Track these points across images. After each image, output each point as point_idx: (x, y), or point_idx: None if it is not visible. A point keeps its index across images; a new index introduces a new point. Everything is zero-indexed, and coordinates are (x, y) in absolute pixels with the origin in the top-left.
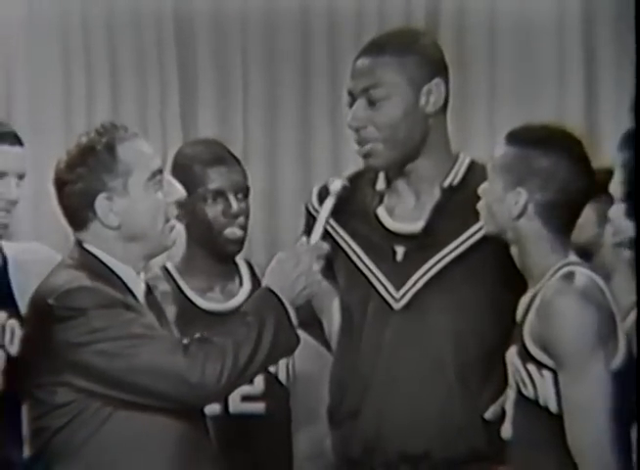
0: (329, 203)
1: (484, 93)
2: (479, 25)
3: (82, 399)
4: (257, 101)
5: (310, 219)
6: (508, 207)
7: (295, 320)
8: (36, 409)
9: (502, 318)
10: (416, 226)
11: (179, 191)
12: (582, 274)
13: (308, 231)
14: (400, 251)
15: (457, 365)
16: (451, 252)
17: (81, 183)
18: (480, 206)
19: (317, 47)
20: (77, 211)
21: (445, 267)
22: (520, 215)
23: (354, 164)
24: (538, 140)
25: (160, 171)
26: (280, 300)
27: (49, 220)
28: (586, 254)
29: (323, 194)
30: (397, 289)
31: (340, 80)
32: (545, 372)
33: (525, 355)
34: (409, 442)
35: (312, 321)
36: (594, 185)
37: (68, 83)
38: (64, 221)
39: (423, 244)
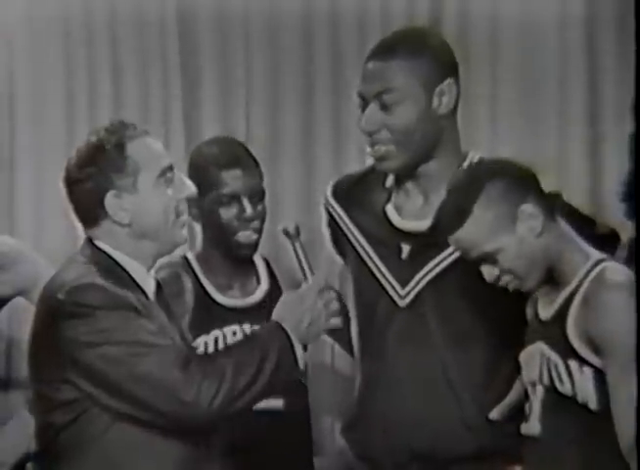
0: (297, 245)
1: (487, 94)
2: (481, 27)
3: (84, 400)
4: (260, 100)
5: (329, 217)
6: (528, 233)
7: (301, 358)
8: (42, 404)
9: (505, 318)
10: (422, 225)
11: (189, 187)
12: (621, 270)
13: (330, 229)
14: (406, 249)
15: (460, 363)
16: (455, 251)
17: (91, 182)
18: (508, 277)
19: (320, 47)
20: (88, 209)
21: (450, 266)
22: (543, 228)
23: (357, 163)
24: (497, 169)
25: (171, 168)
26: (288, 336)
27: (50, 220)
28: None
29: (338, 190)
30: (403, 286)
31: (342, 80)
32: (586, 369)
33: (566, 352)
34: (416, 440)
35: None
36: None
37: (71, 81)
38: (73, 218)
39: (428, 243)
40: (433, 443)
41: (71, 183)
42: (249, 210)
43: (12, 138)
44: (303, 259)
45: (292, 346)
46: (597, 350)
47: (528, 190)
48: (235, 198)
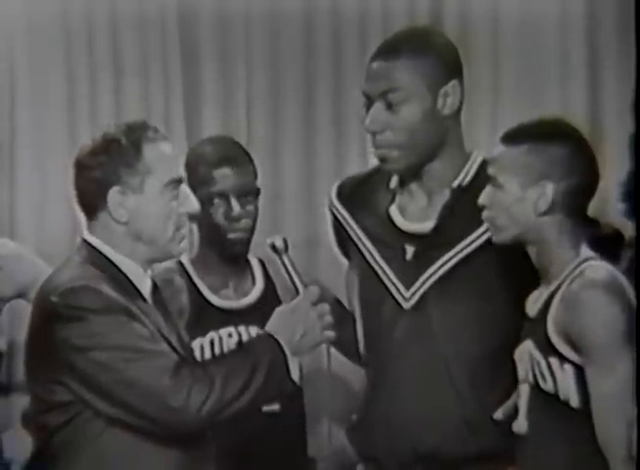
0: (286, 259)
1: (488, 94)
2: (481, 26)
3: (78, 402)
4: (261, 100)
5: (334, 218)
6: (531, 203)
7: (294, 369)
8: (38, 405)
9: (510, 317)
10: (426, 226)
11: (193, 204)
12: (605, 269)
13: (335, 230)
14: (410, 250)
15: (465, 365)
16: (460, 252)
17: (99, 171)
18: (490, 215)
19: (321, 46)
20: (90, 197)
21: (454, 267)
22: (547, 210)
23: (358, 163)
24: (547, 133)
25: (180, 181)
26: (282, 348)
27: (50, 220)
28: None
29: (342, 191)
30: (407, 288)
31: (343, 80)
32: (567, 366)
33: (547, 349)
34: (420, 441)
35: (345, 325)
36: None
37: (72, 81)
38: (76, 206)
39: (432, 244)
40: (437, 443)
41: (80, 169)
42: (236, 208)
43: (13, 139)
44: (293, 273)
45: (284, 358)
46: (576, 347)
47: (572, 181)
48: (224, 196)
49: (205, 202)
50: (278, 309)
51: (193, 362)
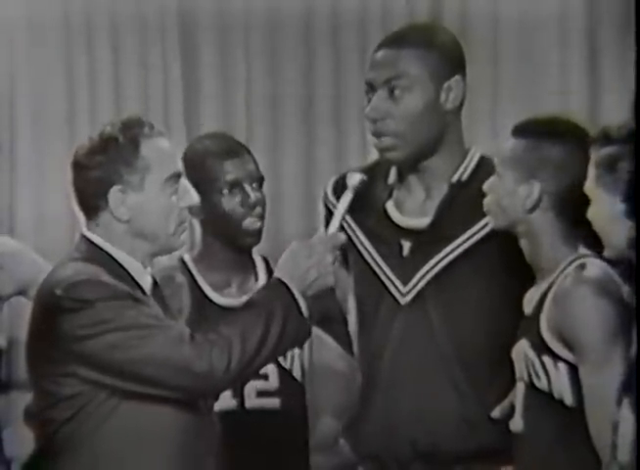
0: (347, 196)
1: (487, 92)
2: (481, 25)
3: (88, 391)
4: (260, 97)
5: (327, 213)
6: (520, 200)
7: (305, 311)
8: (43, 401)
9: (509, 314)
10: (422, 221)
11: (193, 197)
12: (598, 266)
13: (327, 224)
14: (407, 245)
15: (463, 361)
16: (457, 247)
17: (98, 171)
18: (488, 202)
19: (320, 44)
20: (90, 197)
21: (452, 263)
22: (533, 208)
23: (357, 160)
24: (547, 131)
25: (179, 175)
26: (290, 290)
27: (50, 218)
28: None
29: (338, 187)
30: (404, 284)
31: (342, 77)
32: (560, 364)
33: (541, 347)
34: (418, 438)
35: (336, 321)
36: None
37: (71, 79)
38: (75, 207)
39: (429, 239)
40: (435, 441)
41: (79, 169)
42: (252, 195)
43: (12, 137)
44: (340, 213)
45: (296, 302)
46: (569, 345)
47: (563, 183)
48: (237, 185)
49: (214, 195)
50: (294, 246)
51: (204, 330)
